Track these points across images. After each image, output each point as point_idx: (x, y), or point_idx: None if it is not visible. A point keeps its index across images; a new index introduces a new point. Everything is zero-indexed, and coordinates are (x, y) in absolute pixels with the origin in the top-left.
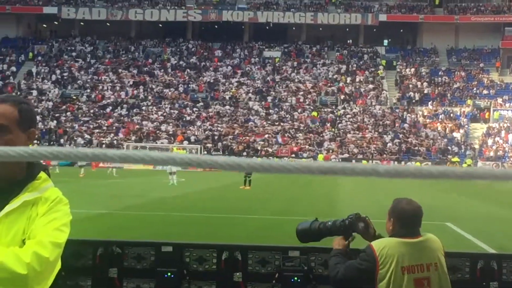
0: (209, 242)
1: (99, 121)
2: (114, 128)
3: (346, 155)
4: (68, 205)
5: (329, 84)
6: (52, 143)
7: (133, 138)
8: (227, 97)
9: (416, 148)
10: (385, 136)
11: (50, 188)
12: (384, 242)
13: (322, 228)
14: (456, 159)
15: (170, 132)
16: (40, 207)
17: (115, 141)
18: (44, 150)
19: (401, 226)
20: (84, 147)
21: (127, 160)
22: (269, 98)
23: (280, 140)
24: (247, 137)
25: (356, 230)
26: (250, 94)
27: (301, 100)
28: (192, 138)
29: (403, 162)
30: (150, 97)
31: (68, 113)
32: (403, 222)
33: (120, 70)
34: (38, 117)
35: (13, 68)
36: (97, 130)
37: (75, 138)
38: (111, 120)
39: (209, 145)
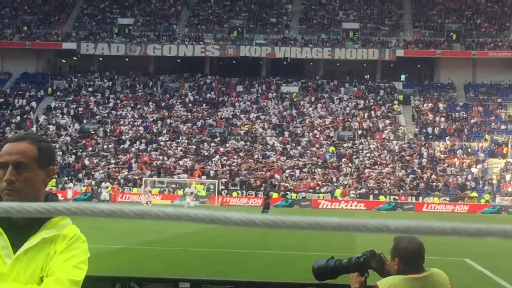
0: (227, 279)
1: (118, 156)
2: (132, 163)
3: (363, 191)
4: (86, 243)
5: (347, 119)
6: (70, 177)
7: (148, 172)
8: (243, 133)
9: (434, 183)
10: (402, 171)
11: (68, 225)
12: (389, 280)
13: (338, 265)
14: (474, 194)
15: (188, 167)
16: (58, 245)
17: (130, 176)
18: (61, 206)
19: (405, 264)
20: (100, 203)
21: (143, 216)
22: (286, 133)
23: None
24: (266, 172)
25: (371, 267)
26: (267, 130)
27: (318, 135)
28: (211, 173)
29: (420, 198)
30: (168, 132)
31: (88, 148)
32: (406, 260)
33: (138, 105)
34: (57, 152)
35: (33, 104)
36: (112, 166)
37: (92, 173)
38: (129, 155)
39: (226, 180)
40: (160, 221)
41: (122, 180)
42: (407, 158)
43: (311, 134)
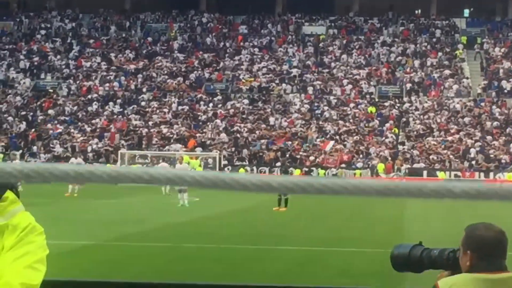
0: (232, 283)
1: (85, 121)
2: (105, 130)
3: (416, 165)
4: (43, 235)
5: (391, 70)
6: (23, 151)
7: (125, 143)
8: (253, 89)
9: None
10: (467, 138)
11: (20, 212)
12: (453, 279)
13: (425, 257)
14: None
15: (176, 136)
16: (7, 238)
17: (103, 149)
18: (11, 167)
19: (481, 258)
20: (65, 164)
21: (120, 179)
22: (310, 89)
23: (328, 147)
24: (284, 142)
25: None
26: (284, 84)
27: (353, 91)
28: (208, 143)
29: (491, 174)
30: (151, 89)
31: (45, 111)
32: (483, 253)
33: (111, 54)
34: (3, 117)
35: None
36: (79, 134)
37: (51, 146)
38: (102, 120)
39: (231, 153)
40: (143, 184)
41: (91, 154)
42: (474, 120)
43: (343, 89)
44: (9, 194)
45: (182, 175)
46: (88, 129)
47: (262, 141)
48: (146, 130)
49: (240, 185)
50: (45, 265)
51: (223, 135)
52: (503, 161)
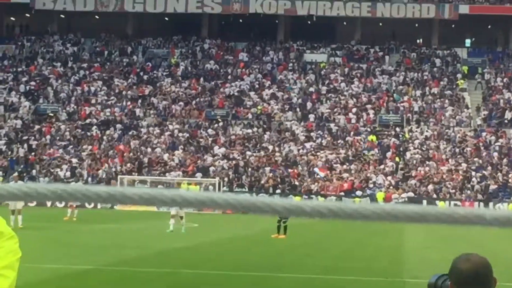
0: None
1: (83, 146)
2: (105, 155)
3: (415, 195)
4: (15, 239)
5: (391, 99)
6: (22, 174)
7: (127, 168)
8: (254, 115)
9: (511, 185)
10: (467, 168)
11: None
12: None
13: (443, 285)
14: None
15: (176, 162)
16: None
17: (106, 173)
18: (44, 188)
19: None
20: (94, 185)
21: (152, 202)
22: (311, 117)
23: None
24: (284, 169)
25: None
26: (285, 112)
27: (354, 120)
28: (208, 169)
29: (491, 204)
30: (151, 115)
31: (44, 135)
32: (461, 285)
33: (112, 79)
34: (3, 141)
35: None
36: (78, 159)
37: (51, 170)
38: (101, 146)
39: (230, 179)
40: (174, 207)
41: (90, 179)
42: (473, 151)
43: (344, 118)
44: None
45: (214, 197)
46: (86, 153)
47: (267, 168)
48: (146, 156)
49: (271, 209)
50: (15, 270)
51: (223, 161)
52: (507, 190)
